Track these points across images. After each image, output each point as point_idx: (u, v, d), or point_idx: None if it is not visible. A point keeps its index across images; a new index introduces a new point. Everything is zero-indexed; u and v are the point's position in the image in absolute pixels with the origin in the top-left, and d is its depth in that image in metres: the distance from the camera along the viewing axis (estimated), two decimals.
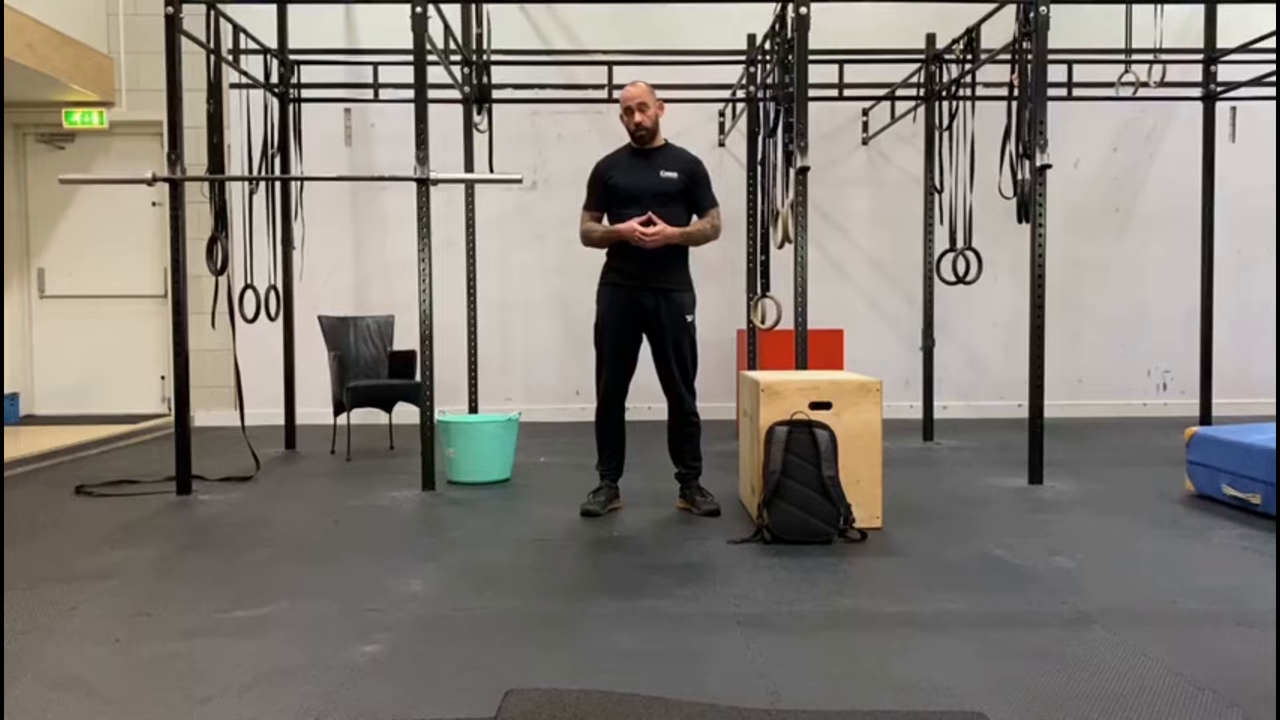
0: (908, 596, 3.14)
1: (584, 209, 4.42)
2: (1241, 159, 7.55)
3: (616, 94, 6.84)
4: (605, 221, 4.36)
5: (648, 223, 4.15)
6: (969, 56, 5.85)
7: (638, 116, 4.26)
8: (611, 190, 4.31)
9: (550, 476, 5.29)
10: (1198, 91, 6.83)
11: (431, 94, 5.05)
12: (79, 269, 7.74)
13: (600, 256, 4.42)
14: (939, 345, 6.87)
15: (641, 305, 4.25)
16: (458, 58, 6.47)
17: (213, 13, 5.25)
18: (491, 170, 6.80)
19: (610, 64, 6.85)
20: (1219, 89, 6.75)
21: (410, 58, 5.00)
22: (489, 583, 3.35)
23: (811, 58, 4.91)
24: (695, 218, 4.37)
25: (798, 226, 4.83)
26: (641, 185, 4.26)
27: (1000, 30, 5.59)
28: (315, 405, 6.87)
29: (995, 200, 5.87)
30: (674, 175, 4.28)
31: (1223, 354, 7.15)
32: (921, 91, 6.68)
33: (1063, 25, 5.77)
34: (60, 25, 6.67)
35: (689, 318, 4.31)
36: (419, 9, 4.88)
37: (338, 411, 6.05)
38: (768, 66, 5.79)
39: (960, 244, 6.03)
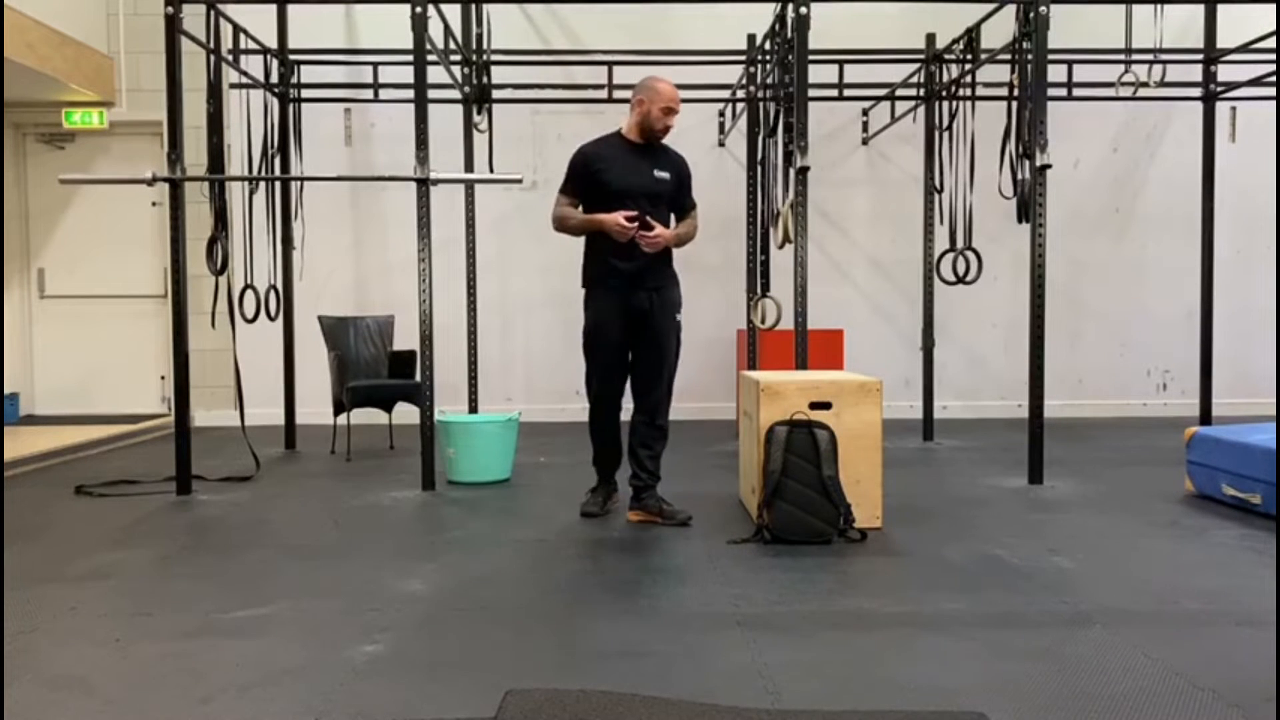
0: (908, 596, 3.14)
1: (561, 192, 4.21)
2: (1241, 159, 7.55)
3: (617, 94, 6.88)
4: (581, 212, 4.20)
5: (639, 222, 3.98)
6: (969, 56, 5.85)
7: (671, 119, 4.12)
8: (601, 184, 4.10)
9: (550, 476, 5.29)
10: (1198, 91, 6.84)
11: (431, 94, 5.06)
12: (79, 269, 7.74)
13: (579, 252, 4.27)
14: (939, 345, 6.87)
15: (636, 306, 4.14)
16: (458, 58, 6.47)
17: (213, 13, 5.25)
18: (491, 170, 6.80)
19: (610, 64, 6.85)
20: (1219, 89, 6.75)
21: (410, 58, 5.00)
22: (489, 582, 3.35)
23: (811, 58, 4.91)
24: (674, 218, 4.27)
25: (798, 226, 4.83)
26: (634, 184, 4.09)
27: (1000, 30, 5.58)
28: (315, 405, 6.87)
29: (995, 200, 5.87)
30: (667, 176, 4.17)
31: (1223, 354, 7.15)
32: (921, 91, 6.68)
33: (1063, 25, 5.77)
34: (60, 25, 6.67)
35: (678, 316, 4.23)
36: (419, 9, 4.88)
37: (338, 411, 6.05)
38: (768, 66, 5.79)
39: (960, 244, 6.03)
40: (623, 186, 4.09)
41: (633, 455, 4.23)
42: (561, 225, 4.24)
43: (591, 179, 4.13)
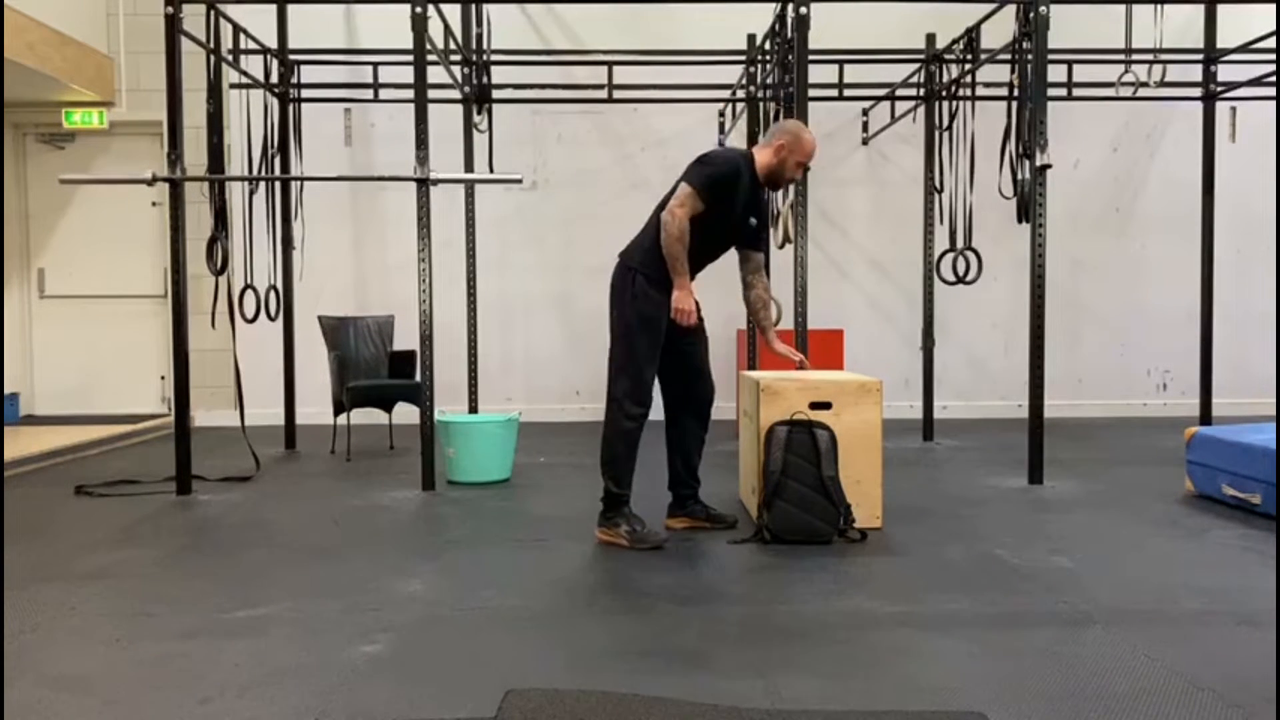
0: (908, 596, 3.14)
1: (693, 191, 3.68)
2: (1241, 159, 7.55)
3: (617, 94, 6.89)
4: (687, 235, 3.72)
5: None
6: (969, 56, 5.85)
7: (799, 175, 3.95)
8: (722, 210, 3.75)
9: (550, 476, 5.29)
10: (1198, 91, 6.83)
11: (431, 94, 5.06)
12: (79, 269, 7.74)
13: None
14: (939, 345, 6.86)
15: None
16: (458, 58, 6.47)
17: (213, 13, 5.25)
18: (491, 170, 6.80)
19: (610, 64, 6.86)
20: (1219, 89, 6.75)
21: (410, 58, 5.00)
22: (489, 583, 3.35)
23: (811, 58, 4.91)
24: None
25: (798, 226, 4.84)
26: (738, 227, 3.86)
27: (1000, 30, 5.59)
28: (315, 405, 6.87)
29: (995, 200, 5.87)
30: (754, 224, 3.94)
31: (1223, 354, 7.15)
32: (921, 91, 6.68)
33: (1063, 25, 5.77)
34: (60, 25, 6.67)
35: None
36: (419, 9, 4.88)
37: (338, 411, 6.05)
38: (768, 66, 5.79)
39: (960, 244, 6.03)
40: (730, 226, 3.83)
41: (688, 461, 4.02)
42: (679, 238, 3.68)
43: (724, 199, 3.76)
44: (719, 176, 3.74)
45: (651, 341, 3.81)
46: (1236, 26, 6.86)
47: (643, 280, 3.79)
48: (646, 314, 3.78)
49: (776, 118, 5.41)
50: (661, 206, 3.84)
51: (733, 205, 3.79)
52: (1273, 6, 6.82)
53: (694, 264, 3.85)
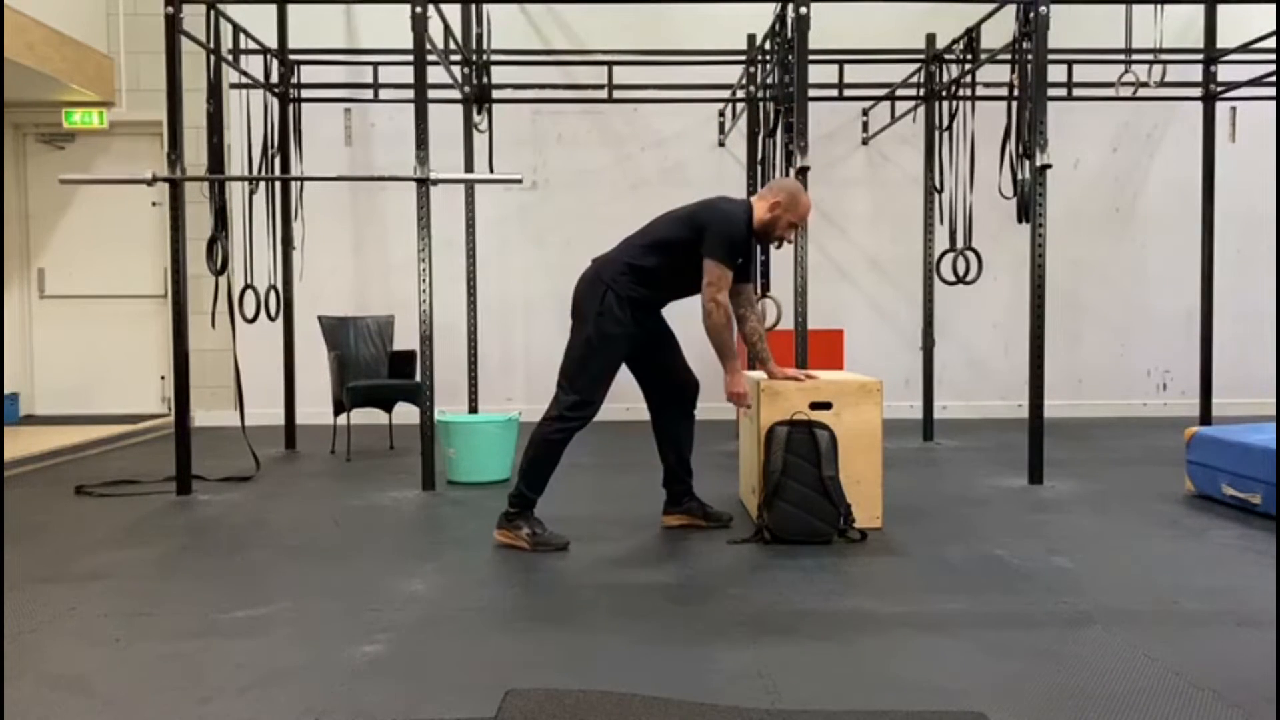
0: (908, 596, 3.14)
1: (726, 263, 3.69)
2: (1241, 159, 7.54)
3: (617, 94, 6.89)
4: None
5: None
6: (969, 56, 5.85)
7: (791, 234, 3.99)
8: (740, 265, 3.82)
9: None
10: (1198, 91, 6.83)
11: (431, 94, 5.05)
12: (79, 269, 7.74)
13: (598, 250, 4.00)
14: (939, 345, 6.86)
15: (648, 329, 3.96)
16: (458, 58, 6.47)
17: (213, 13, 5.25)
18: (491, 170, 6.80)
19: (610, 64, 6.86)
20: (1219, 89, 6.75)
21: (410, 58, 5.00)
22: (489, 583, 3.35)
23: (811, 58, 4.91)
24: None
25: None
26: (739, 265, 3.85)
27: (1000, 30, 5.59)
28: (315, 405, 6.87)
29: (995, 200, 5.87)
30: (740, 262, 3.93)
31: (1223, 354, 7.15)
32: (921, 91, 6.68)
33: (1063, 25, 5.77)
34: (60, 25, 6.67)
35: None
36: (419, 9, 4.88)
37: (338, 411, 6.05)
38: (768, 66, 5.79)
39: (960, 244, 6.03)
40: (741, 278, 3.86)
41: (679, 453, 4.04)
42: (726, 325, 3.73)
43: (743, 257, 3.82)
44: (733, 242, 3.72)
45: (607, 362, 3.78)
46: (1236, 26, 6.85)
47: (613, 297, 3.74)
48: (609, 333, 3.74)
49: (777, 117, 5.41)
50: (644, 239, 3.82)
51: (743, 259, 3.83)
52: (1272, 6, 6.81)
53: (676, 294, 3.87)
